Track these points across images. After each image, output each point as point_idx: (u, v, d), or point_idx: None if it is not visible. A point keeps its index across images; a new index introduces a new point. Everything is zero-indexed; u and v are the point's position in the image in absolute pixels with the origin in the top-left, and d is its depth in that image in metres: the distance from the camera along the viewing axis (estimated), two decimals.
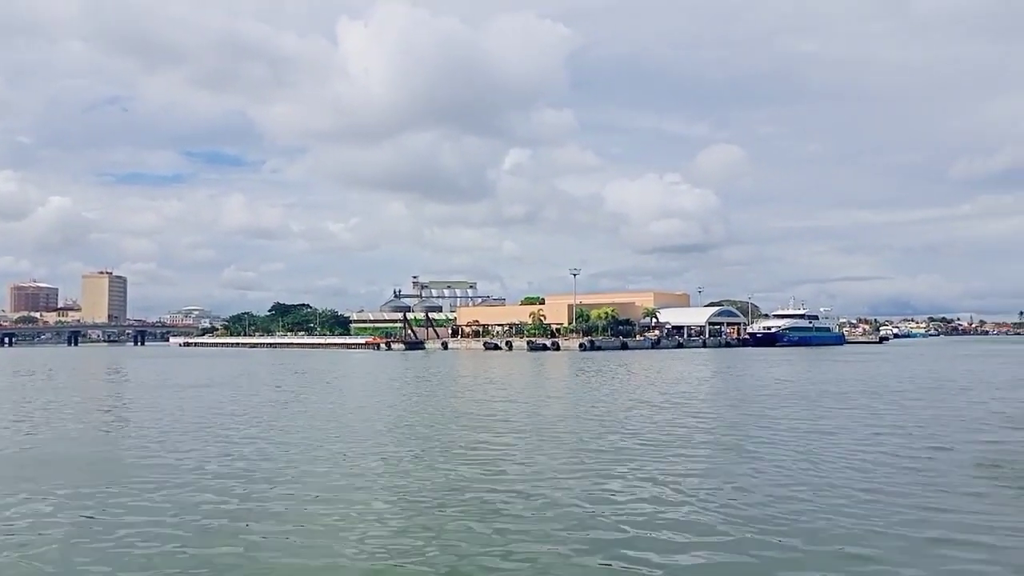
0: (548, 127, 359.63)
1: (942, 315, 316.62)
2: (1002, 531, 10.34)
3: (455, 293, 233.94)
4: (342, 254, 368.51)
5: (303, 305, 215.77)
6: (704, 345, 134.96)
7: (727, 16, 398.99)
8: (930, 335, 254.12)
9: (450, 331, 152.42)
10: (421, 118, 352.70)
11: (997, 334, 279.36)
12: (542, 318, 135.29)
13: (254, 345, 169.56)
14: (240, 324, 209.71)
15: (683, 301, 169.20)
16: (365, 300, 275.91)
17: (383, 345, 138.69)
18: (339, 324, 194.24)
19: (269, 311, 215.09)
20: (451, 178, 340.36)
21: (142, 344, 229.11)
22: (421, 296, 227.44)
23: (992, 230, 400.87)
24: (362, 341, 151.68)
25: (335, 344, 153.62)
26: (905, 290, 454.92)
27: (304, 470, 15.32)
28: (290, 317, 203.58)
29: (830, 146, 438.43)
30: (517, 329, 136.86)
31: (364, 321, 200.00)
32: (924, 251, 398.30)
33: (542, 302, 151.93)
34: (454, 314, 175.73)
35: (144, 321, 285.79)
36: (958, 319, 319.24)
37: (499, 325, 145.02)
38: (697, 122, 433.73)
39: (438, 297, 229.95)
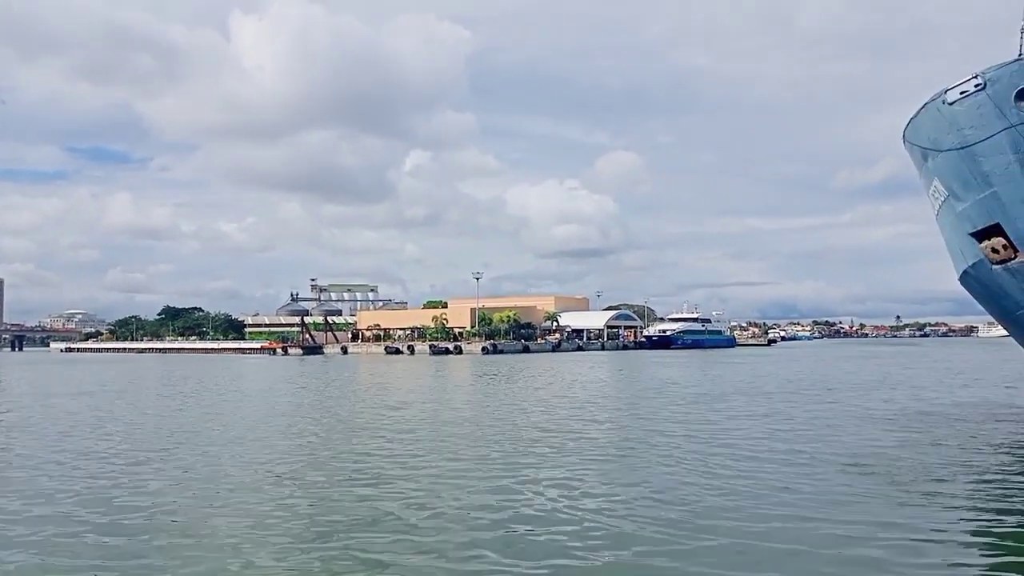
0: (449, 129, 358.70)
1: (826, 318, 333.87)
2: (872, 525, 10.88)
3: (355, 296, 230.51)
4: (236, 255, 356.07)
5: (195, 309, 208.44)
6: (603, 348, 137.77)
7: (625, 28, 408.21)
8: (815, 337, 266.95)
9: (350, 335, 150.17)
10: (318, 116, 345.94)
11: (875, 336, 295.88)
12: (445, 322, 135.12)
13: (142, 351, 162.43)
14: (127, 328, 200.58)
15: (583, 305, 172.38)
16: (261, 304, 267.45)
17: (280, 350, 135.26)
18: (233, 328, 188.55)
19: (158, 315, 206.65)
20: (350, 178, 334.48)
21: (20, 349, 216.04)
22: (320, 299, 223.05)
23: (871, 238, 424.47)
24: (257, 346, 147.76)
25: (229, 349, 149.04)
26: (791, 294, 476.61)
27: (182, 486, 14.72)
28: (181, 321, 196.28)
29: (722, 156, 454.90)
30: (419, 333, 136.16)
31: (260, 325, 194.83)
32: (809, 257, 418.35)
33: (445, 306, 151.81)
34: (354, 318, 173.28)
35: (22, 325, 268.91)
36: (840, 322, 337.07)
37: (401, 329, 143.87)
38: (596, 130, 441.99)
39: (338, 300, 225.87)
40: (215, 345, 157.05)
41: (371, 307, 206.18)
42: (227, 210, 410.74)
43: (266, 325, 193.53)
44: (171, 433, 22.26)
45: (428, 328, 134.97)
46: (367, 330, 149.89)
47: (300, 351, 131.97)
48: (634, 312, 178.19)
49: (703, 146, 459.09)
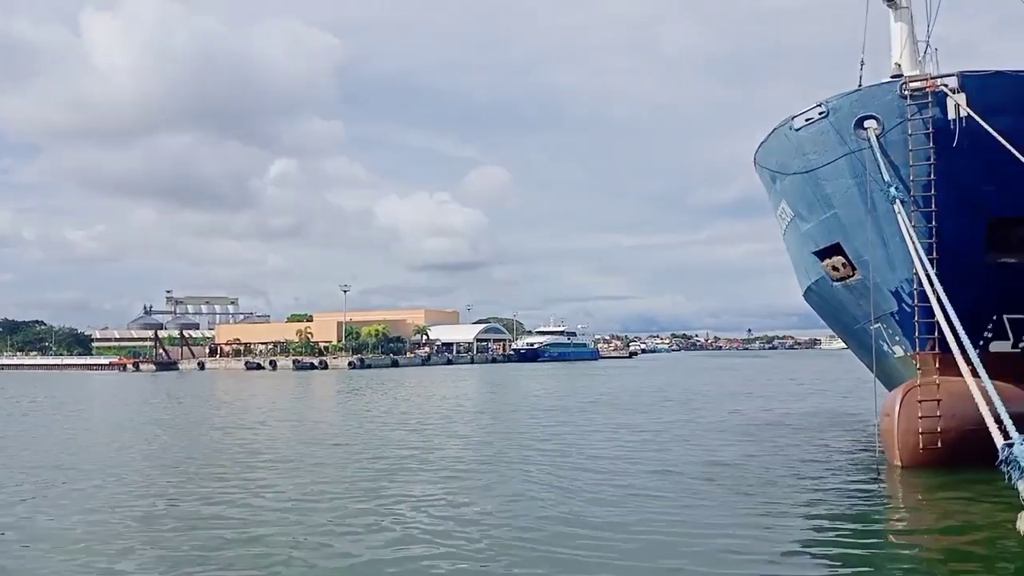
0: (317, 137, 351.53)
1: (683, 331, 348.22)
2: (726, 527, 11.20)
3: (214, 309, 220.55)
4: (84, 265, 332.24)
5: (36, 322, 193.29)
6: (472, 361, 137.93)
7: (494, 43, 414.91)
8: (673, 350, 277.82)
9: (208, 350, 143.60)
10: (176, 119, 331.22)
11: (729, 349, 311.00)
12: (309, 336, 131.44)
13: None
14: None
15: (453, 318, 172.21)
16: (111, 317, 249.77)
17: (131, 366, 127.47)
18: (79, 343, 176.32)
19: None
20: (211, 185, 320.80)
21: None
22: (175, 312, 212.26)
23: (726, 254, 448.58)
24: (106, 362, 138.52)
25: (74, 365, 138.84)
26: (652, 308, 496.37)
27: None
28: (20, 335, 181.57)
29: (589, 173, 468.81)
30: (282, 347, 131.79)
31: (109, 340, 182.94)
32: (668, 272, 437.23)
33: (310, 319, 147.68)
34: (213, 332, 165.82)
35: None
36: (697, 335, 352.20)
37: (263, 344, 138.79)
38: (467, 144, 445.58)
39: (195, 314, 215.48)
40: (58, 361, 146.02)
41: (231, 320, 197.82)
42: (75, 216, 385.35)
43: (116, 340, 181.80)
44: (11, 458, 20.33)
45: (292, 343, 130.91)
46: (226, 345, 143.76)
47: (153, 367, 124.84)
48: (503, 325, 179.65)
49: (570, 162, 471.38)
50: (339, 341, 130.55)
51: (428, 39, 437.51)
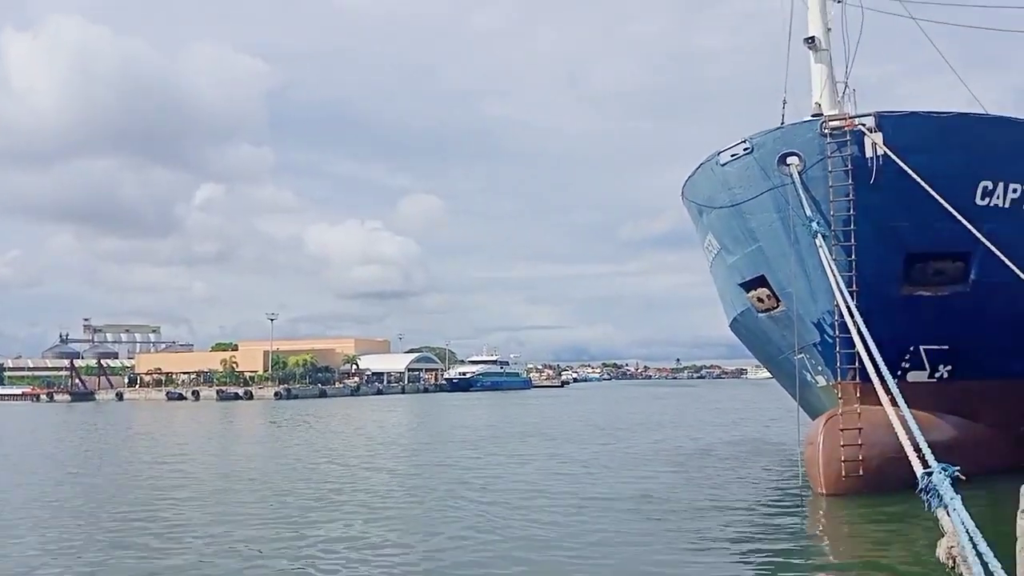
0: (245, 163, 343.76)
1: (614, 361, 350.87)
2: (651, 560, 11.15)
3: (135, 338, 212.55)
4: None
5: None
6: (403, 391, 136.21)
7: (427, 73, 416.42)
8: (604, 379, 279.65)
9: (127, 380, 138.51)
10: (98, 143, 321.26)
11: (658, 378, 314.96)
12: (234, 365, 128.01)
13: None
14: None
15: (384, 347, 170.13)
16: (24, 346, 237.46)
17: (44, 396, 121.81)
18: None
19: None
20: (133, 211, 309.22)
21: None
22: (93, 341, 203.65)
23: (655, 285, 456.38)
24: (18, 392, 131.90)
25: None
26: (583, 338, 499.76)
27: None
28: None
29: (521, 203, 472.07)
30: (206, 377, 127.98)
31: (22, 369, 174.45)
32: (599, 303, 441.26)
33: (235, 348, 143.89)
34: (133, 361, 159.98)
35: None
36: (627, 364, 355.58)
37: (186, 373, 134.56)
38: (399, 172, 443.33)
39: (114, 342, 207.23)
40: None
41: (152, 349, 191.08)
42: None
43: (29, 369, 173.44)
44: None
45: (216, 372, 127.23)
46: (147, 374, 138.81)
47: (68, 397, 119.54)
48: (435, 355, 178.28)
49: (503, 193, 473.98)
50: (265, 371, 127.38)
51: (360, 68, 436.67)
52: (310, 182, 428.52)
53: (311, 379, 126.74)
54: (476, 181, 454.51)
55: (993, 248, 15.74)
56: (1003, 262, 15.55)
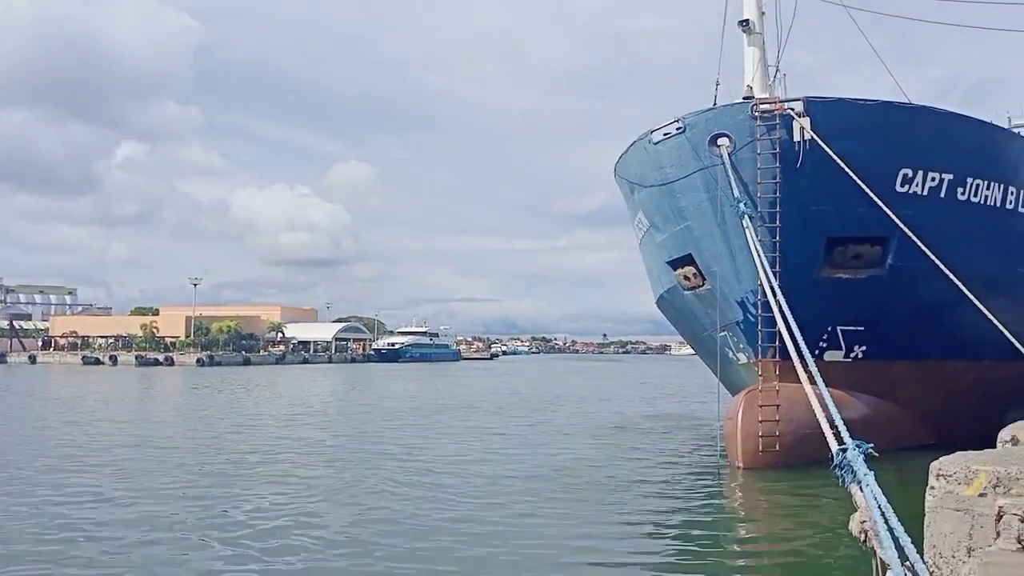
0: (170, 122, 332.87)
1: (543, 334, 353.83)
2: (571, 533, 11.28)
3: (49, 300, 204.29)
4: None
5: None
6: (331, 360, 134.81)
7: (361, 39, 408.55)
8: (533, 352, 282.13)
9: (41, 343, 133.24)
10: (12, 94, 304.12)
11: (585, 352, 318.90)
12: (155, 330, 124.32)
13: None
14: None
15: (311, 316, 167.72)
16: None
17: None
18: None
19: None
20: (49, 167, 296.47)
21: None
22: (5, 302, 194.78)
23: (584, 261, 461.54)
24: None
25: None
26: (513, 311, 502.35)
27: None
28: None
29: (455, 176, 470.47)
30: (125, 343, 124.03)
31: None
32: (530, 277, 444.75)
33: (156, 313, 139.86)
34: (47, 324, 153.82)
35: None
36: (556, 338, 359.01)
37: (103, 337, 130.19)
38: (330, 138, 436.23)
39: (27, 303, 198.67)
40: None
41: (68, 312, 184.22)
42: None
43: None
44: None
45: (136, 337, 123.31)
46: (62, 337, 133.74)
47: None
48: (364, 325, 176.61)
49: (436, 164, 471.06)
50: (187, 337, 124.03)
51: (292, 29, 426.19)
52: (238, 144, 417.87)
53: (235, 346, 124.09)
54: (409, 151, 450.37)
55: (910, 234, 16.32)
56: (919, 247, 16.16)
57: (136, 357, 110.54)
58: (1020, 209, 19.74)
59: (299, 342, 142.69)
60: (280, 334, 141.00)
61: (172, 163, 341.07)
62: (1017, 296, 19.58)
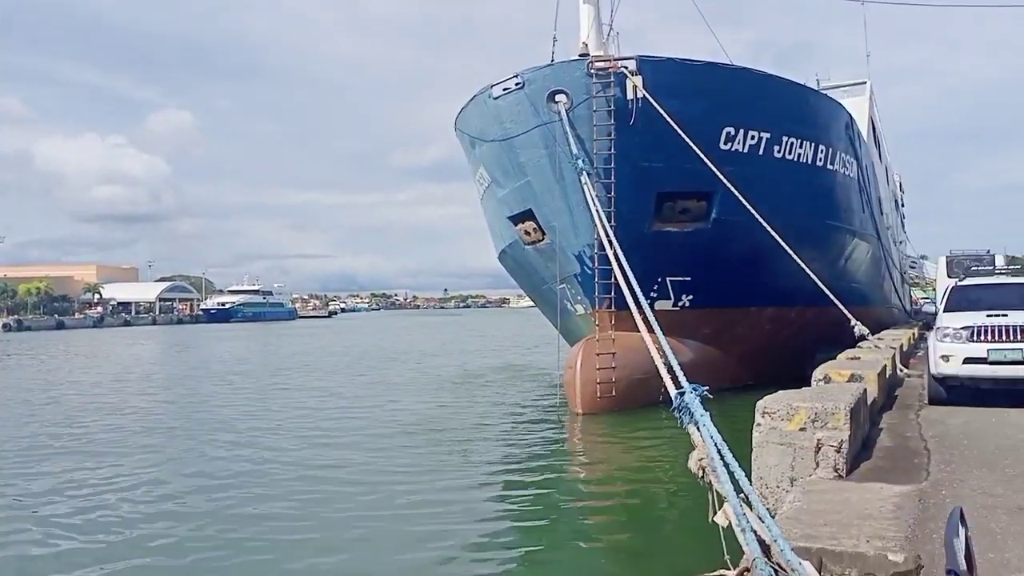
0: None
1: (383, 291, 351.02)
2: (416, 487, 11.36)
3: None
4: None
5: None
6: (155, 322, 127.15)
7: None
8: (373, 309, 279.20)
9: None
10: None
11: (426, 307, 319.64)
12: None
13: None
14: None
15: (131, 275, 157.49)
16: None
17: None
18: None
19: None
20: None
21: None
22: None
23: (424, 216, 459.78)
24: None
25: None
26: (352, 267, 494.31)
27: None
28: None
29: (286, 127, 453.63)
30: None
31: None
32: (367, 232, 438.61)
33: None
34: None
35: None
36: (396, 294, 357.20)
37: None
38: (146, 85, 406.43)
39: None
40: None
41: None
42: None
43: None
44: None
45: None
46: None
47: None
48: (191, 284, 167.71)
49: (264, 115, 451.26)
50: None
51: None
52: (41, 90, 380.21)
53: (46, 309, 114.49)
54: (234, 100, 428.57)
55: (732, 189, 17.41)
56: (740, 202, 17.29)
57: None
58: (828, 166, 21.52)
59: (119, 303, 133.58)
60: (97, 295, 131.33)
61: None
62: (825, 247, 21.45)
